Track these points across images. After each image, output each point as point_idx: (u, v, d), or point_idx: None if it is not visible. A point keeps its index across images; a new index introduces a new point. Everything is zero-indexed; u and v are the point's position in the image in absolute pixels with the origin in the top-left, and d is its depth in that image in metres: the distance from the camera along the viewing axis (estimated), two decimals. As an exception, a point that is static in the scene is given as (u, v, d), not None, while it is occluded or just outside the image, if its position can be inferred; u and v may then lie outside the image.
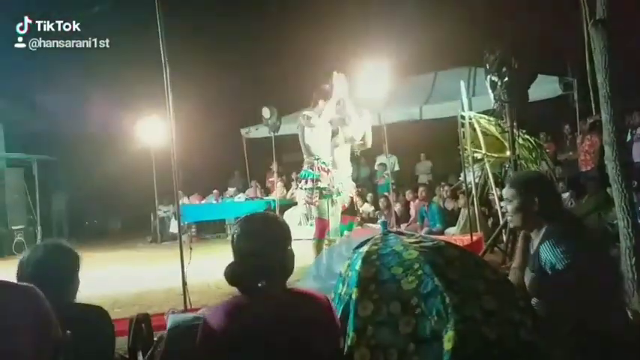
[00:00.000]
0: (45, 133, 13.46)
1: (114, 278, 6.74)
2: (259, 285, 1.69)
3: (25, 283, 1.61)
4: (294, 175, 12.45)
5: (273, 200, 9.92)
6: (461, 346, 1.63)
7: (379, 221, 9.17)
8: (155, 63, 4.61)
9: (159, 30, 4.49)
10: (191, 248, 4.46)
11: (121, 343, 2.27)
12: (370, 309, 1.79)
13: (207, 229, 12.26)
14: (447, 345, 1.63)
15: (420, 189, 8.89)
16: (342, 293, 1.95)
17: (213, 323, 1.64)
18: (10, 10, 7.96)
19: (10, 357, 1.35)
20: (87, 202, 15.04)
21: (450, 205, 8.81)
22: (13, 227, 11.20)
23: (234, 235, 1.76)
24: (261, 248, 1.71)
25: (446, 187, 9.34)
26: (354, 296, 1.83)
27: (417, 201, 9.21)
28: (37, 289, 1.51)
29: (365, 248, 2.05)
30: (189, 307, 4.34)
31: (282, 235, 1.78)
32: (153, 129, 10.06)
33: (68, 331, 1.60)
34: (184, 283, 4.44)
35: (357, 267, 1.94)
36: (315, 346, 1.66)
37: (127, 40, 11.76)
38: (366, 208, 10.14)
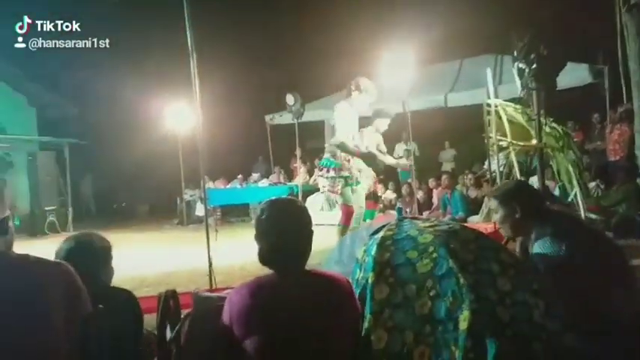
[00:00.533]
0: (76, 117, 13.80)
1: (142, 259, 6.91)
2: (283, 266, 1.75)
3: (59, 260, 1.70)
4: (316, 162, 12.53)
5: (296, 186, 10.00)
6: (476, 324, 1.65)
7: (395, 208, 9.19)
8: (183, 50, 4.69)
9: (185, 17, 4.56)
10: (217, 230, 4.57)
11: (150, 320, 2.36)
12: (386, 292, 1.81)
13: (232, 213, 12.44)
14: (463, 324, 1.66)
15: (444, 177, 8.84)
16: (359, 278, 1.97)
17: (236, 302, 1.69)
18: (11, 9, 8.10)
19: (42, 322, 1.45)
20: (116, 185, 15.42)
21: (473, 193, 8.74)
22: (46, 208, 11.57)
23: (259, 218, 1.83)
24: (285, 230, 1.78)
25: (470, 176, 9.26)
26: (370, 280, 1.86)
27: (439, 189, 9.17)
28: (69, 265, 1.61)
29: (380, 234, 2.08)
30: (214, 287, 4.46)
31: (303, 218, 1.85)
32: (180, 115, 10.22)
33: (100, 306, 1.70)
34: (210, 264, 4.55)
35: (373, 252, 1.96)
36: (336, 327, 1.69)
37: (156, 27, 11.92)
38: (388, 195, 10.15)
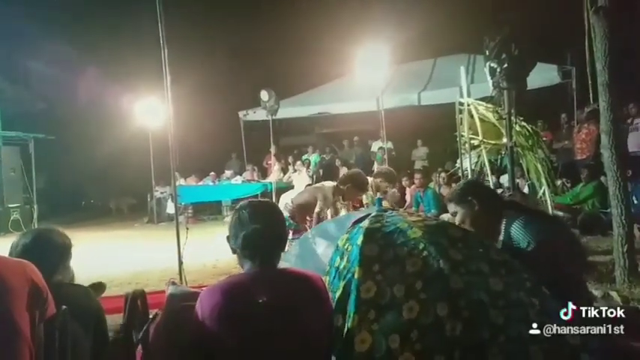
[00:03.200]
0: (42, 112, 13.41)
1: (110, 257, 6.78)
2: (258, 263, 1.73)
3: (20, 259, 1.60)
4: (290, 159, 12.50)
5: (270, 183, 9.94)
6: (465, 333, 1.60)
7: (375, 199, 9.17)
8: (154, 44, 4.60)
9: (157, 11, 4.47)
10: (187, 228, 4.48)
11: (117, 320, 2.29)
12: (373, 291, 1.73)
13: (204, 211, 12.30)
14: (451, 332, 1.61)
15: (417, 175, 8.91)
16: (341, 267, 1.89)
17: (208, 303, 1.65)
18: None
19: (5, 324, 1.37)
20: (84, 181, 15.05)
21: (445, 191, 8.83)
22: (10, 205, 11.21)
23: (239, 212, 1.80)
24: (262, 226, 1.75)
25: (442, 174, 9.36)
26: (356, 275, 1.78)
27: (412, 187, 9.24)
28: (31, 265, 1.53)
29: (365, 223, 1.99)
30: (185, 285, 4.38)
31: (280, 219, 1.86)
32: (151, 110, 10.00)
33: (64, 307, 1.62)
34: (180, 263, 4.48)
35: (359, 242, 1.88)
36: (310, 325, 1.66)
37: (127, 20, 11.67)
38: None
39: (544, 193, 6.60)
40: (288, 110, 11.19)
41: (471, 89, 7.43)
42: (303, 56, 12.30)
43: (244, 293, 1.65)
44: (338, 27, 11.27)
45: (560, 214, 6.89)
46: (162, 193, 12.25)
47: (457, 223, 2.34)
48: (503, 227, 2.22)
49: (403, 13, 10.82)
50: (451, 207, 2.44)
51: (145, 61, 7.93)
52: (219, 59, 13.79)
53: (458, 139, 6.75)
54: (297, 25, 12.79)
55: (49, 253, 1.94)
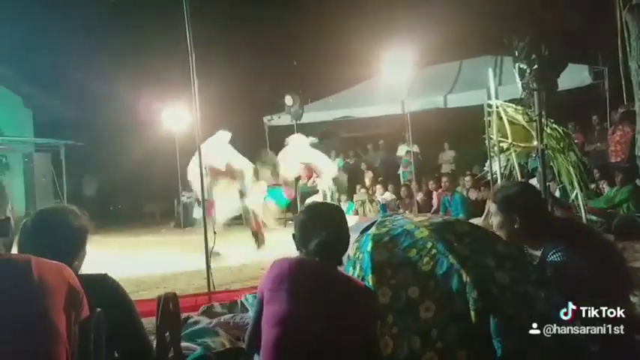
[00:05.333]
0: (73, 119, 13.73)
1: (138, 261, 6.84)
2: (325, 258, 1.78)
3: (57, 262, 1.59)
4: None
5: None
6: (482, 324, 1.62)
7: (379, 205, 9.14)
8: (181, 51, 4.66)
9: (185, 17, 4.53)
10: (215, 232, 4.51)
11: (146, 324, 2.27)
12: (388, 296, 1.77)
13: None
14: (471, 324, 1.64)
15: (444, 179, 8.80)
16: (355, 276, 1.93)
17: (277, 264, 1.78)
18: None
19: (44, 325, 1.39)
20: (112, 187, 15.32)
21: (473, 195, 8.69)
22: (42, 210, 11.46)
23: (304, 222, 1.88)
24: (332, 227, 1.82)
25: (468, 178, 9.22)
26: (370, 282, 1.82)
27: (439, 190, 9.12)
28: (68, 267, 1.55)
29: (373, 230, 2.03)
30: (212, 289, 4.41)
31: (344, 220, 1.90)
32: (178, 116, 10.15)
33: (99, 309, 1.62)
34: (208, 267, 4.50)
35: (368, 248, 1.92)
36: (350, 323, 1.67)
37: (155, 27, 11.88)
38: (387, 196, 10.08)
39: (576, 197, 6.44)
40: (313, 115, 11.20)
41: (498, 91, 7.29)
42: (327, 60, 12.29)
43: (307, 268, 1.75)
44: (363, 30, 11.23)
45: (594, 218, 6.71)
46: (188, 198, 12.36)
47: (494, 225, 2.18)
48: (540, 253, 2.06)
49: (427, 16, 10.70)
50: (492, 206, 2.22)
51: (172, 68, 8.04)
52: (243, 65, 13.89)
53: (487, 141, 6.64)
54: (322, 29, 12.79)
55: (65, 236, 1.76)
